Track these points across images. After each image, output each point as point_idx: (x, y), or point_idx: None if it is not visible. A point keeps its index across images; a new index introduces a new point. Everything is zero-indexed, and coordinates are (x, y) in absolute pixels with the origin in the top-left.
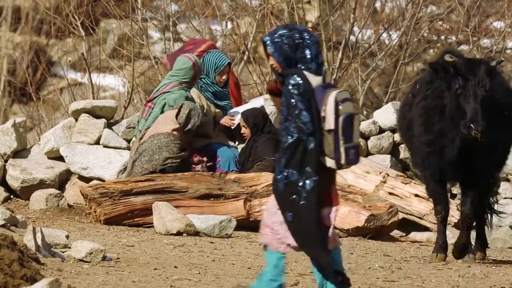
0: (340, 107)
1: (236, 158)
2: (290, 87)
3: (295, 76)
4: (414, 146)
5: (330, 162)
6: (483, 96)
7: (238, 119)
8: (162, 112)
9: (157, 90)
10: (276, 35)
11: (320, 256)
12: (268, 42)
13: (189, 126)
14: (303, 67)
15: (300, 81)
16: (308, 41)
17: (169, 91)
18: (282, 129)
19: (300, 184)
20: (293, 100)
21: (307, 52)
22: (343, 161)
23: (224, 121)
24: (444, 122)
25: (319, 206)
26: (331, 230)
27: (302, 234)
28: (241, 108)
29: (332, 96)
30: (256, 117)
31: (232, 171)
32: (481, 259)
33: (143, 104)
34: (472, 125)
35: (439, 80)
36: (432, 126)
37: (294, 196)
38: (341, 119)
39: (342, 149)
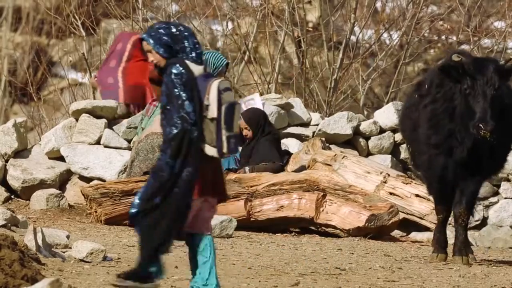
0: (223, 96)
1: (235, 156)
2: (172, 76)
3: (177, 65)
4: (419, 148)
5: (211, 151)
6: (492, 95)
7: None
8: None
9: None
10: (153, 30)
11: (163, 246)
12: (146, 38)
13: None
14: (184, 56)
15: (183, 70)
16: (185, 33)
17: None
18: (163, 119)
19: (181, 173)
20: (176, 90)
21: (186, 42)
22: (225, 149)
23: None
24: (454, 123)
25: (192, 195)
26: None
27: (162, 220)
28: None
29: (215, 85)
30: (258, 118)
31: (232, 168)
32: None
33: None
34: (481, 125)
35: (449, 83)
36: (441, 129)
37: (174, 185)
38: (223, 108)
39: (224, 138)
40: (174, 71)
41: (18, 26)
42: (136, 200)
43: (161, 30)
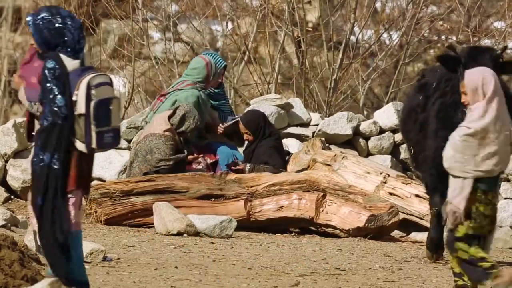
0: (93, 92)
1: (234, 155)
2: (46, 71)
3: (51, 60)
4: (427, 146)
5: (81, 146)
6: None
7: (228, 122)
8: None
9: (172, 86)
10: (38, 17)
11: (54, 245)
12: (30, 23)
13: (182, 128)
14: (60, 50)
15: (56, 65)
16: (70, 26)
17: (182, 89)
18: (41, 112)
19: (52, 166)
20: (48, 84)
21: (68, 36)
22: (94, 145)
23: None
24: (460, 115)
25: (66, 190)
26: (73, 214)
27: (46, 218)
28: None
29: (85, 81)
30: (257, 120)
31: (231, 162)
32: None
33: (144, 104)
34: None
35: (457, 76)
36: (449, 121)
37: (45, 179)
38: (93, 103)
39: (93, 134)
40: (48, 65)
41: (18, 26)
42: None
43: (45, 21)
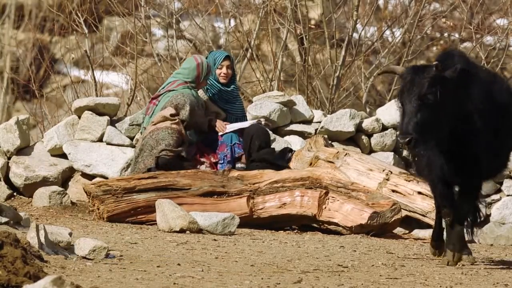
0: None
1: (238, 138)
2: None
3: None
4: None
5: None
6: (419, 106)
7: (230, 128)
8: None
9: (162, 88)
10: None
11: None
12: None
13: (184, 118)
14: None
15: None
16: None
17: (174, 90)
18: None
19: None
20: None
21: None
22: None
23: (218, 125)
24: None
25: None
26: None
27: None
28: (237, 125)
29: None
30: (247, 138)
31: (234, 144)
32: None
33: (147, 101)
34: (399, 138)
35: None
36: None
37: None
38: None
39: None
40: None
41: (20, 23)
42: None
43: None
